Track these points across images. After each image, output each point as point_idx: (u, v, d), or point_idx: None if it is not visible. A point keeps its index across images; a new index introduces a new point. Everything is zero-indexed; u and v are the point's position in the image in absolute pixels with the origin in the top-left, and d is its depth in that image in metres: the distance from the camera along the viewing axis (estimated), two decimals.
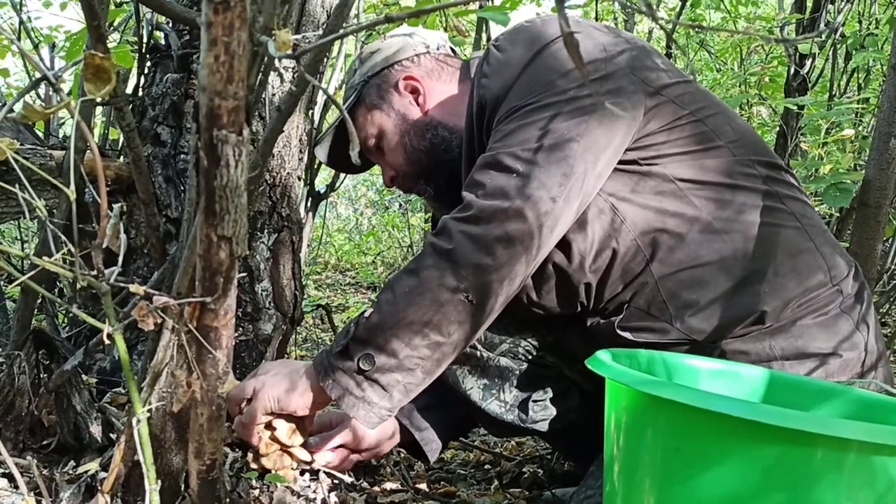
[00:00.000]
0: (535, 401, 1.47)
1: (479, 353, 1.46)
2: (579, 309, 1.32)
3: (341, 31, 0.99)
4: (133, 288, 0.80)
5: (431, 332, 1.17)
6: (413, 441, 1.53)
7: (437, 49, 1.56)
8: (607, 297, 1.30)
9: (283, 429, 1.28)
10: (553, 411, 1.48)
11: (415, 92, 1.51)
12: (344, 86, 1.63)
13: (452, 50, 1.61)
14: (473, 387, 1.46)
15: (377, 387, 1.18)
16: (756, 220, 1.26)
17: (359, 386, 1.18)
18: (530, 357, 1.48)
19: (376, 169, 1.65)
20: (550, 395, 1.48)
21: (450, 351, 1.20)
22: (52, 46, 2.09)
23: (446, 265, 1.15)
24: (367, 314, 1.20)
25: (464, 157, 1.40)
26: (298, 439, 1.30)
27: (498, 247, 1.14)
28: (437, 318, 1.16)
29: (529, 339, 1.47)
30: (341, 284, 6.62)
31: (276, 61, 0.92)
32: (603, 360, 0.90)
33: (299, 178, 1.71)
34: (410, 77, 1.51)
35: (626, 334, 1.28)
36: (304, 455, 1.32)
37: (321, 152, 1.56)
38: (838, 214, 2.30)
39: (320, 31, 1.50)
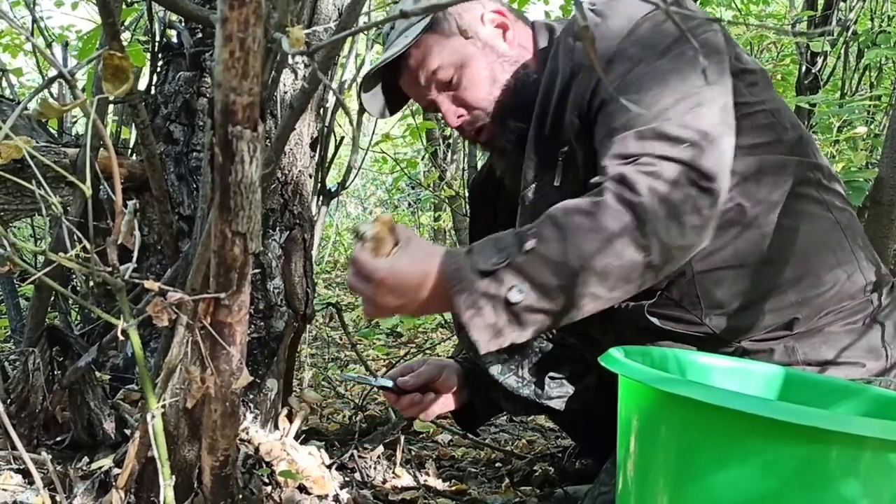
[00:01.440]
0: (552, 377, 1.46)
1: None
2: None
3: (353, 27, 0.99)
4: (148, 284, 0.80)
5: (596, 284, 1.07)
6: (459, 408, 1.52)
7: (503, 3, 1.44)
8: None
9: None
10: (570, 389, 1.47)
11: (502, 27, 1.37)
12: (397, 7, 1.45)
13: None
14: (493, 361, 1.46)
15: (515, 321, 1.08)
16: (802, 226, 1.22)
17: (496, 314, 1.06)
18: (551, 336, 1.48)
19: (384, 167, 1.62)
20: (568, 374, 1.48)
21: (599, 307, 1.11)
22: (65, 45, 2.10)
23: (631, 217, 1.05)
24: (527, 243, 1.06)
25: (535, 115, 1.31)
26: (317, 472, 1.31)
27: (689, 216, 1.06)
28: (610, 270, 1.06)
29: None
30: None
31: (290, 58, 0.92)
32: (616, 357, 0.90)
33: (310, 176, 1.71)
34: (498, 12, 1.38)
35: (654, 320, 1.26)
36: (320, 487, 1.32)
37: (368, 96, 1.41)
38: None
39: (332, 29, 1.50)
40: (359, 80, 1.52)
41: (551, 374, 1.47)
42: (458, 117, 1.38)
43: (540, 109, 1.30)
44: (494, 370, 1.45)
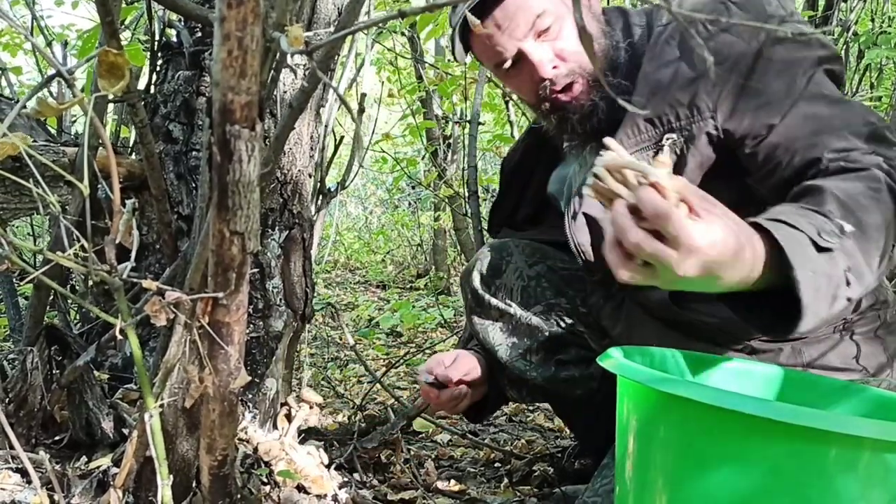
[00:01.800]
0: (559, 360, 1.47)
1: (512, 310, 1.47)
2: None
3: (353, 27, 0.99)
4: (146, 283, 0.80)
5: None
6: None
7: None
8: None
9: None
10: (576, 373, 1.46)
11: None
12: None
13: None
14: (502, 343, 1.47)
15: (840, 302, 0.98)
16: None
17: (830, 296, 0.95)
18: (561, 323, 1.48)
19: (385, 167, 1.62)
20: (575, 359, 1.48)
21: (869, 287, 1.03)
22: (65, 44, 2.10)
23: None
24: (846, 226, 0.97)
25: (642, 87, 1.24)
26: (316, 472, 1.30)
27: None
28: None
29: (565, 304, 1.47)
30: (350, 283, 6.64)
31: (289, 58, 0.92)
32: (615, 358, 0.90)
33: (310, 176, 1.71)
34: None
35: (676, 308, 1.25)
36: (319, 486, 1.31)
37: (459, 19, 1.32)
38: None
39: (331, 29, 1.50)
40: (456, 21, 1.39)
41: (559, 357, 1.47)
42: (553, 67, 1.27)
43: (651, 83, 1.23)
44: (503, 353, 1.46)
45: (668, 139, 1.20)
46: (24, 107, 0.88)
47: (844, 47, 3.25)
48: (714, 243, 0.85)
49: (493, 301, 1.51)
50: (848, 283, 0.96)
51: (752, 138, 1.15)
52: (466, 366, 1.45)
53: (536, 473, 1.72)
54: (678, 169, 1.20)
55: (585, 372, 1.46)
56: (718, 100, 1.16)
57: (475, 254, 1.62)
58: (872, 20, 3.55)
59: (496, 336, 1.48)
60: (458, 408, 1.46)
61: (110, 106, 2.16)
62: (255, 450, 1.42)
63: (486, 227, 1.82)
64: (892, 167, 1.05)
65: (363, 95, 2.11)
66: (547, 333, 1.46)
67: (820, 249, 0.93)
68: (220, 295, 0.79)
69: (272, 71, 1.06)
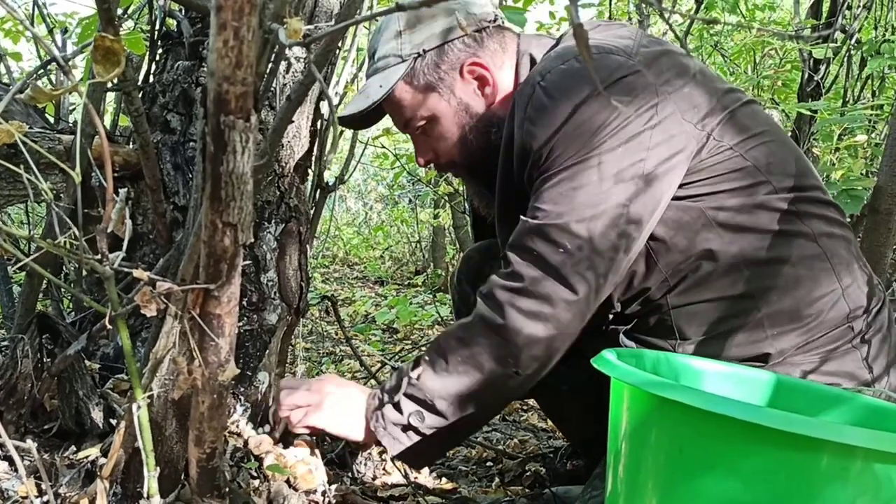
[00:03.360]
0: None
1: None
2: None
3: (353, 19, 0.98)
4: (137, 273, 0.79)
5: (481, 405, 1.25)
6: None
7: (496, 20, 1.37)
8: (621, 310, 1.32)
9: (301, 455, 1.37)
10: (561, 367, 1.46)
11: (481, 80, 1.35)
12: (373, 43, 1.40)
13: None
14: None
15: (423, 437, 1.27)
16: (786, 260, 1.20)
17: (406, 434, 1.27)
18: None
19: (385, 163, 1.63)
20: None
21: (495, 412, 1.37)
22: (64, 31, 2.09)
23: (498, 341, 1.19)
24: (417, 373, 1.26)
25: (500, 168, 1.32)
26: (303, 468, 1.36)
27: (550, 324, 1.17)
28: (489, 391, 1.23)
29: None
30: (349, 278, 6.63)
31: (287, 50, 0.91)
32: (609, 360, 0.90)
33: (308, 169, 1.70)
34: (478, 63, 1.33)
35: (630, 343, 1.30)
36: (307, 482, 1.35)
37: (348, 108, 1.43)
38: (849, 221, 2.28)
39: (333, 22, 1.49)
40: (360, 77, 1.55)
41: None
42: (427, 160, 1.44)
43: (504, 165, 1.31)
44: None
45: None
46: (20, 91, 0.87)
47: (847, 56, 3.25)
48: (325, 399, 1.34)
49: None
50: (422, 418, 1.25)
51: None
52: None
53: (528, 473, 1.72)
54: None
55: (572, 364, 1.46)
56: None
57: (462, 255, 1.66)
58: (875, 28, 3.55)
59: None
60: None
61: (109, 96, 2.16)
62: (245, 444, 1.42)
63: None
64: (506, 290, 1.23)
65: None
66: None
67: (385, 403, 1.29)
68: (212, 286, 0.78)
69: (271, 63, 1.06)
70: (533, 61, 1.35)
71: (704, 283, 1.22)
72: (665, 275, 1.23)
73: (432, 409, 1.25)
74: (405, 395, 1.26)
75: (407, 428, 1.26)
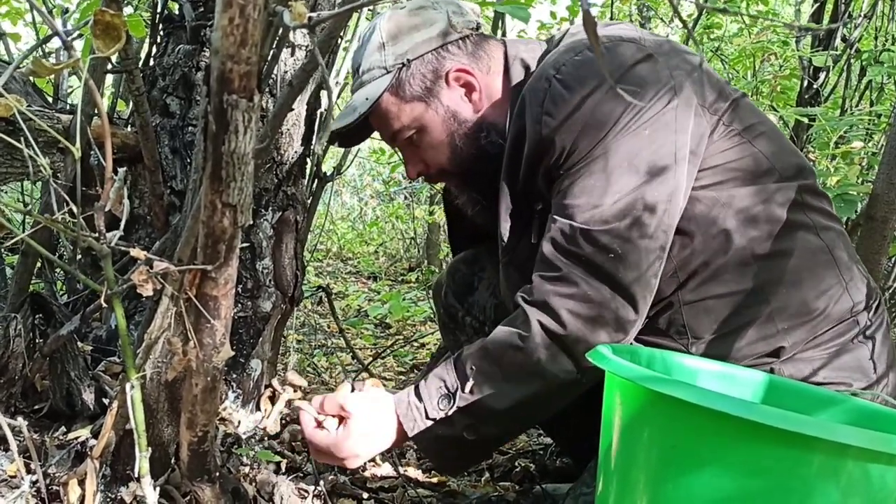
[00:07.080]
0: None
1: (486, 329, 1.47)
2: None
3: (357, 2, 0.98)
4: (134, 252, 0.79)
5: (539, 411, 1.24)
6: None
7: (478, 28, 1.37)
8: None
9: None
10: None
11: (467, 87, 1.34)
12: (357, 58, 1.39)
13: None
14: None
15: (475, 443, 1.22)
16: (792, 252, 1.21)
17: (456, 450, 1.23)
18: None
19: (382, 159, 1.61)
20: None
21: (545, 417, 1.32)
22: (65, 11, 2.08)
23: (559, 350, 1.16)
24: (468, 385, 1.19)
25: (504, 169, 1.30)
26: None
27: (610, 327, 1.16)
28: (548, 399, 1.21)
29: None
30: (342, 272, 6.61)
31: (291, 34, 0.91)
32: (604, 354, 0.89)
33: (307, 158, 1.70)
34: (464, 70, 1.33)
35: (640, 345, 1.27)
36: None
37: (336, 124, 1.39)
38: (844, 228, 2.29)
39: (336, 9, 1.49)
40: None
41: None
42: (418, 172, 1.42)
43: (510, 166, 1.29)
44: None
45: (537, 212, 1.28)
46: (20, 67, 0.86)
47: (847, 64, 3.26)
48: (354, 454, 1.19)
49: (468, 319, 1.54)
50: (476, 430, 1.19)
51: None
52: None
53: (518, 469, 1.72)
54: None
55: None
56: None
57: (446, 266, 1.63)
58: (876, 38, 3.56)
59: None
60: None
61: (109, 79, 2.15)
62: (237, 430, 1.41)
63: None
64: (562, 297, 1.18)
65: None
66: None
67: (435, 421, 1.20)
68: (209, 267, 0.78)
69: (273, 48, 1.05)
70: (525, 65, 1.35)
71: (715, 278, 1.21)
72: (676, 269, 1.22)
73: (489, 422, 1.20)
74: (459, 409, 1.19)
75: (459, 442, 1.20)
